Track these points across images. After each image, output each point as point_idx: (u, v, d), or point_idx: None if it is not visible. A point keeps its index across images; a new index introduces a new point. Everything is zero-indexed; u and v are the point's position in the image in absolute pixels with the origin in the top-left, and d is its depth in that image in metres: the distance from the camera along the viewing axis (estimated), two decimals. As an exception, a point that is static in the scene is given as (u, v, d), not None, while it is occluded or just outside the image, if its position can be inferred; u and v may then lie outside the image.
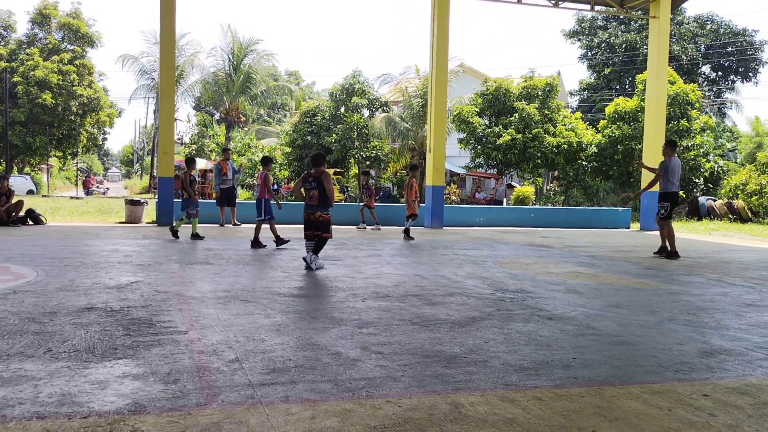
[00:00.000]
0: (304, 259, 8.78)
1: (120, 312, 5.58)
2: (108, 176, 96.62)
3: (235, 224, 16.31)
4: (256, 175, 11.36)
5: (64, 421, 3.13)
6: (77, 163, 55.27)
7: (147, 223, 16.79)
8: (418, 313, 5.89)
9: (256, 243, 11.35)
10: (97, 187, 53.11)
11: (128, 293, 6.49)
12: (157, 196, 17.17)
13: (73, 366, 3.98)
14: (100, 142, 54.27)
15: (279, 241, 11.47)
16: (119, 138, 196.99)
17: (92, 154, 73.91)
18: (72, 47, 42.92)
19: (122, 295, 6.40)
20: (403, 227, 14.12)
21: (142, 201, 17.56)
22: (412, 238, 13.69)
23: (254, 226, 11.69)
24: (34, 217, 15.39)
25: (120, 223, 16.68)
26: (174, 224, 13.16)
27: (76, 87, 40.88)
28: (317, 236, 8.76)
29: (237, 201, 17.12)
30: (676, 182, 11.59)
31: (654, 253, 11.97)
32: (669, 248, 11.56)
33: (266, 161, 12.05)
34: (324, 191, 8.63)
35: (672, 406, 3.60)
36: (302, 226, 8.96)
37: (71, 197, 34.93)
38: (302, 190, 8.83)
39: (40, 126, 39.99)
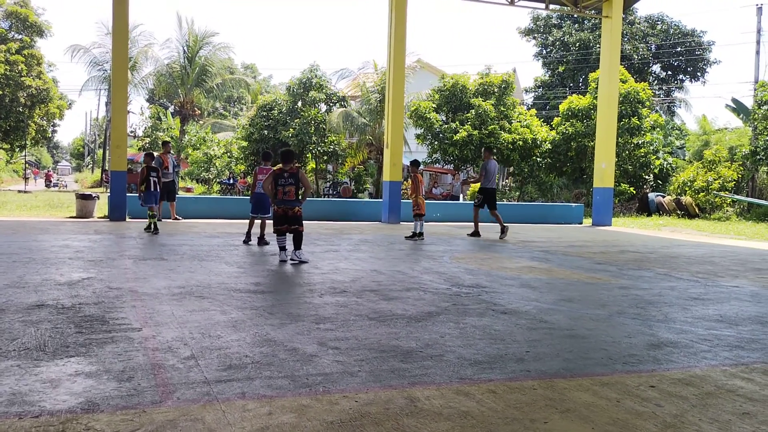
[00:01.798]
0: (282, 261, 8.95)
1: (72, 309, 5.48)
2: (58, 169, 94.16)
3: (175, 219, 16.09)
4: (255, 170, 11.34)
5: (14, 420, 3.07)
6: (26, 155, 53.75)
7: (99, 217, 16.44)
8: (375, 309, 5.93)
9: (262, 240, 11.27)
10: (59, 180, 53.70)
11: (80, 290, 6.37)
12: (109, 191, 16.81)
13: (23, 364, 3.90)
14: (50, 135, 52.92)
15: (250, 237, 11.41)
16: (69, 130, 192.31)
17: (41, 146, 71.96)
18: (20, 37, 41.68)
19: (74, 291, 6.27)
20: (412, 231, 13.23)
21: (94, 195, 17.17)
22: (422, 238, 13.08)
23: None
24: (-21, 211, 14.91)
25: (71, 217, 16.30)
26: (151, 223, 12.87)
27: (25, 78, 39.72)
28: (294, 230, 8.99)
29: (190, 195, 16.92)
30: (492, 180, 14.04)
31: (500, 237, 13.81)
32: (474, 229, 14.16)
33: (269, 156, 11.76)
34: (299, 187, 8.95)
35: (620, 397, 3.72)
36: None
37: (19, 191, 33.96)
38: (273, 186, 8.90)
39: (-15, 117, 38.79)
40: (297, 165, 9.10)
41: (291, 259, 8.94)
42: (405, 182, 22.86)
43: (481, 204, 14.07)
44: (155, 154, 14.69)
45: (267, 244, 11.11)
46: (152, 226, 12.76)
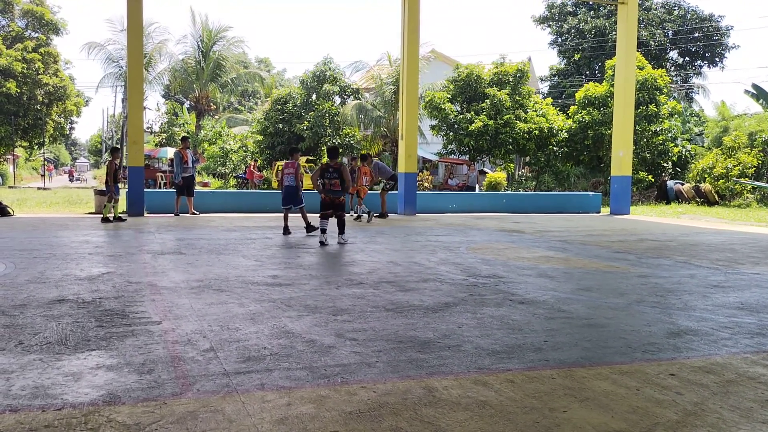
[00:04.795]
0: (321, 243, 10.14)
1: (92, 303, 5.53)
2: (76, 166, 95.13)
3: (192, 213, 16.19)
4: (280, 165, 12.53)
5: (37, 413, 3.11)
6: (44, 153, 54.32)
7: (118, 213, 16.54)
8: (392, 300, 5.93)
9: (309, 228, 11.85)
10: (80, 175, 57.40)
11: (100, 284, 6.44)
12: (127, 186, 16.93)
13: (46, 358, 3.95)
14: (68, 132, 53.44)
15: (288, 229, 11.82)
16: (87, 127, 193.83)
17: (59, 143, 72.67)
18: (36, 35, 41.96)
19: (94, 286, 6.34)
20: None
21: (112, 191, 17.29)
22: (358, 219, 15.18)
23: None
24: (0, 208, 15.11)
25: (89, 213, 16.45)
26: (111, 213, 14.19)
27: (42, 75, 40.02)
28: (338, 216, 10.43)
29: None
30: (388, 173, 16.53)
31: (376, 216, 15.79)
32: (383, 211, 16.14)
33: (295, 151, 12.56)
34: (344, 180, 10.28)
35: (640, 385, 3.70)
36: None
37: (38, 188, 34.33)
38: (321, 179, 10.28)
39: (4, 115, 39.05)
40: (338, 161, 10.47)
41: (338, 242, 10.30)
42: (420, 174, 22.89)
43: (388, 190, 16.38)
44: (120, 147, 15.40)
45: (315, 229, 11.43)
46: (113, 217, 14.05)
